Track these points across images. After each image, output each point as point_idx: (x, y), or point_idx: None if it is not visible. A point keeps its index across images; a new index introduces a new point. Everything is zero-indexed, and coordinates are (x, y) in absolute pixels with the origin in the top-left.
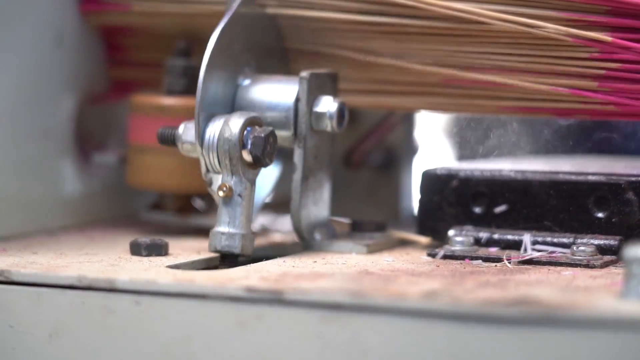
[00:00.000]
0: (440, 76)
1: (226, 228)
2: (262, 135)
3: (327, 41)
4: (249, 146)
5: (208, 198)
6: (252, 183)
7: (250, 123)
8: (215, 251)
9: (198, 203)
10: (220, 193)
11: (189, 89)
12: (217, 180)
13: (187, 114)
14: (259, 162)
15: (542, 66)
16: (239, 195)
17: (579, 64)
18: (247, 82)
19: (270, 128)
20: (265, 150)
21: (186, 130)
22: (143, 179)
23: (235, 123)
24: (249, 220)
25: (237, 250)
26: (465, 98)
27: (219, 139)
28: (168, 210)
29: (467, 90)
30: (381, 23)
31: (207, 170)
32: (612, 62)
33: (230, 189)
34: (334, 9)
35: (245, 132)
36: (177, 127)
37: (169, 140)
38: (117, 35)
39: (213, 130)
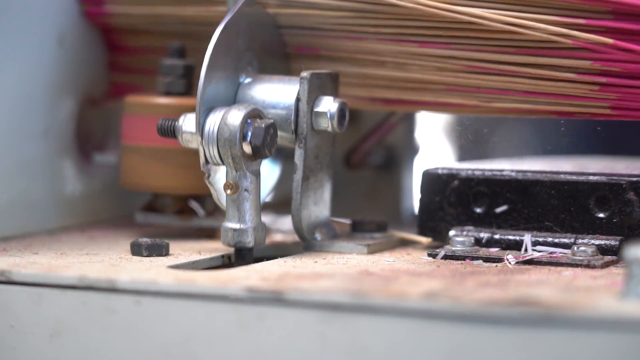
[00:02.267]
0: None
1: (237, 224)
2: (263, 126)
3: (327, 41)
4: (249, 137)
5: (206, 198)
6: (257, 175)
7: (250, 115)
8: (229, 246)
9: (194, 205)
10: (228, 192)
11: (184, 90)
12: (216, 171)
13: (181, 114)
14: (259, 153)
15: (543, 72)
16: (246, 190)
17: (580, 69)
18: (248, 80)
19: (271, 120)
20: (265, 141)
21: (186, 121)
22: (136, 180)
23: (236, 115)
24: (258, 212)
25: (250, 245)
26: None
27: (219, 131)
28: (163, 212)
29: (467, 96)
30: (380, 24)
31: (207, 162)
32: (613, 64)
33: (237, 185)
34: (333, 9)
35: (245, 125)
36: (177, 119)
37: (169, 132)
38: (118, 36)
39: (213, 121)
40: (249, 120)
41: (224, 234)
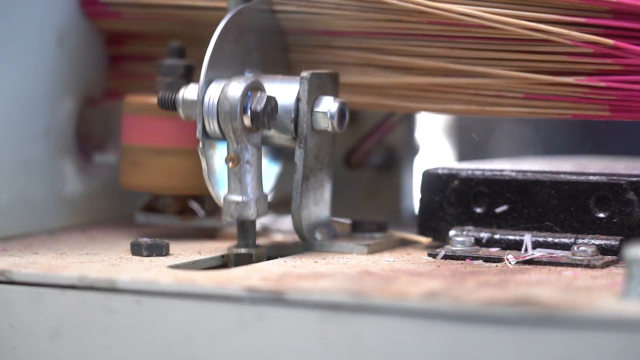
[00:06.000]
0: (441, 81)
1: (239, 197)
2: (264, 96)
3: (328, 41)
4: (249, 109)
5: (206, 198)
6: (258, 148)
7: (251, 88)
8: (231, 218)
9: (194, 205)
10: (230, 164)
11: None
12: (210, 144)
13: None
14: (259, 122)
15: (542, 77)
16: (247, 162)
17: (583, 68)
18: None
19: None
20: (266, 110)
21: (186, 93)
22: (136, 181)
23: (236, 88)
24: (259, 183)
25: (252, 217)
26: (466, 102)
27: (219, 104)
28: (163, 212)
29: (468, 95)
30: (383, 26)
31: (206, 135)
32: (614, 65)
33: (238, 158)
34: (334, 11)
35: (245, 98)
36: (177, 92)
37: (169, 104)
38: (118, 36)
39: (213, 93)
40: (249, 93)
41: (225, 206)
